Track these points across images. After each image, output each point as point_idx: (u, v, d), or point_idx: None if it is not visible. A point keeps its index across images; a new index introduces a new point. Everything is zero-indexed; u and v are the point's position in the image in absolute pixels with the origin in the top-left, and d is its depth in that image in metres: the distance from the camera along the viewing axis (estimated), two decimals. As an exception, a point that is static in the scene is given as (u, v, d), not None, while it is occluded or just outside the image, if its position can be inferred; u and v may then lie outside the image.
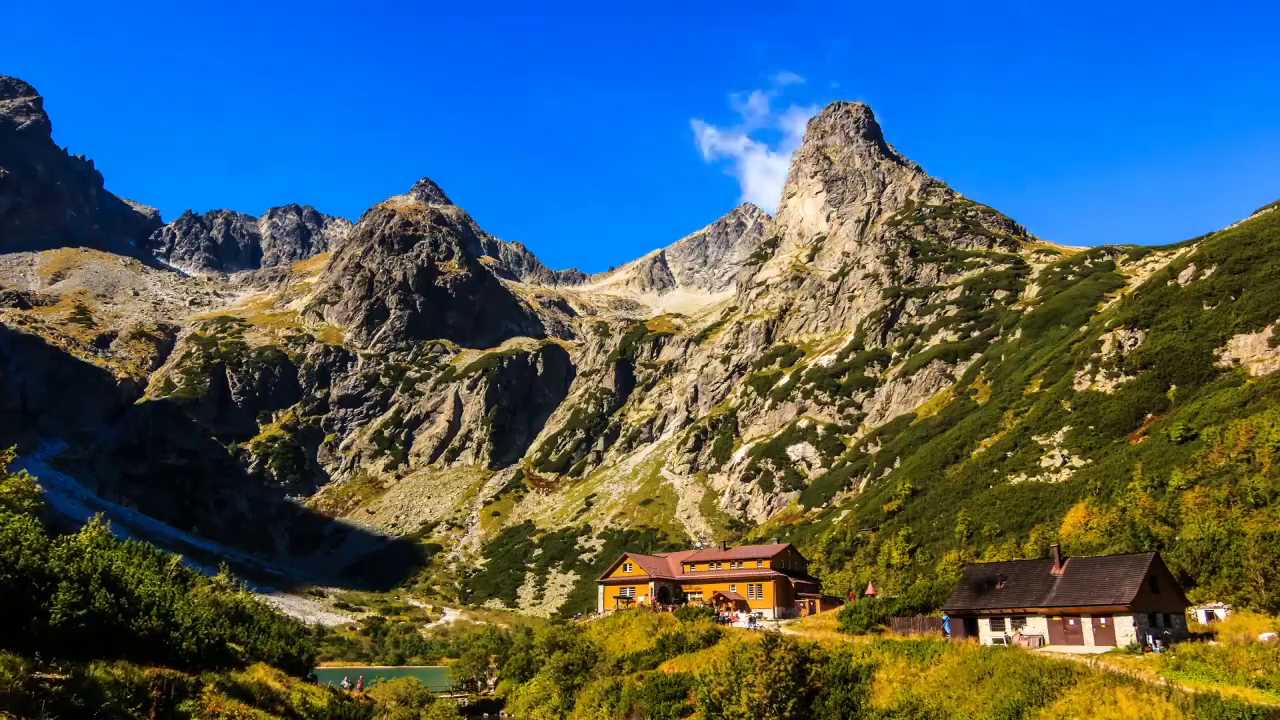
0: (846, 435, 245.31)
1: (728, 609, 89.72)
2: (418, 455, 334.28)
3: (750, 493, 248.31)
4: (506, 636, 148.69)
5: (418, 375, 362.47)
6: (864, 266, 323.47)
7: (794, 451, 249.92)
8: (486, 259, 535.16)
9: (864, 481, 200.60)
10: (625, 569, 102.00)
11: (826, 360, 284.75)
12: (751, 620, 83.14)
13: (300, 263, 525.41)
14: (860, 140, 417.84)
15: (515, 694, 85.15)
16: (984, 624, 58.31)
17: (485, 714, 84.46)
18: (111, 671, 27.15)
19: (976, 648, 51.74)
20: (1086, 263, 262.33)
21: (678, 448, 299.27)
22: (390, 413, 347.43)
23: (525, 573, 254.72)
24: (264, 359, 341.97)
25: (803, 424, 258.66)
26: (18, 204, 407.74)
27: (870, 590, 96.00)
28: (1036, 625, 55.48)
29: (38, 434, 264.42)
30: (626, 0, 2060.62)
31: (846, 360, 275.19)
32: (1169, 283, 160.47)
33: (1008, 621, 57.07)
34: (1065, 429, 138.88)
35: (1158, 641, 49.32)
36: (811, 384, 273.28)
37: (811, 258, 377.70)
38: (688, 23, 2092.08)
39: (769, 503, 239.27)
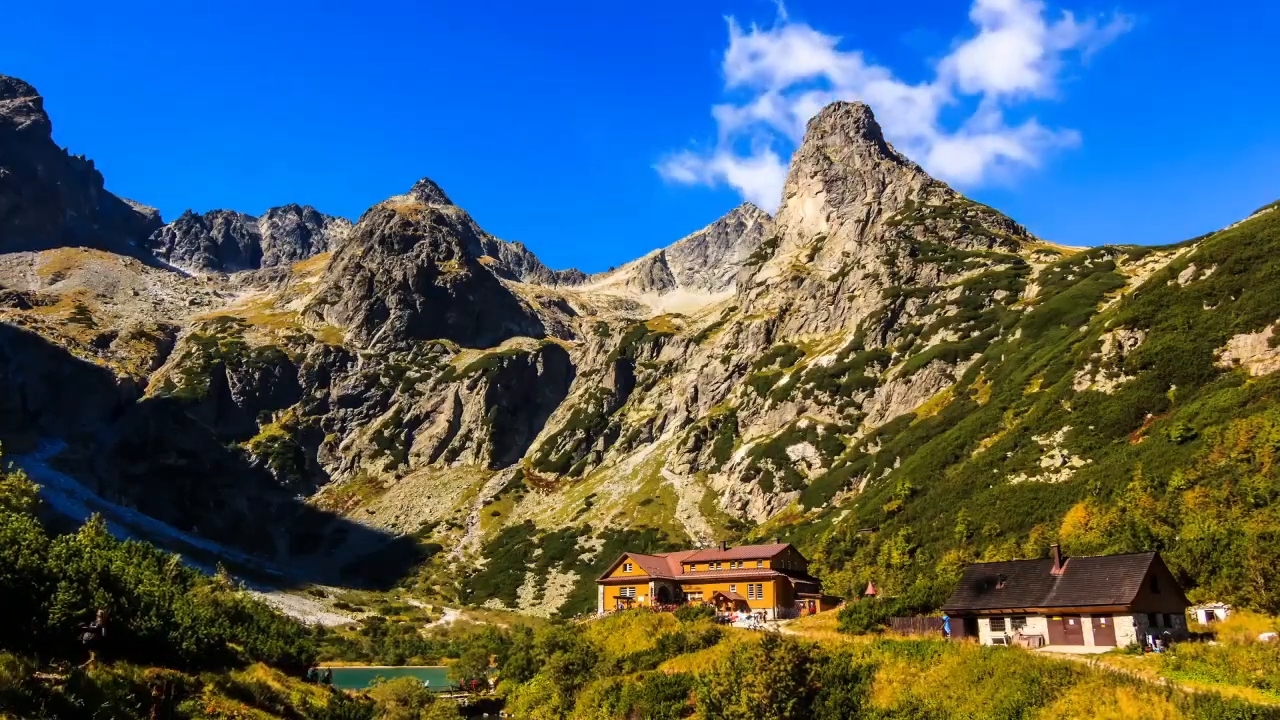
0: (846, 435, 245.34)
1: (728, 609, 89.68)
2: (418, 455, 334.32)
3: (750, 493, 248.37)
4: (506, 636, 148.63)
5: (418, 375, 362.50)
6: (864, 266, 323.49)
7: (794, 451, 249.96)
8: (486, 259, 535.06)
9: (864, 481, 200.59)
10: (625, 569, 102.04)
11: (826, 360, 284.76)
12: (751, 620, 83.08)
13: (300, 263, 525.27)
14: (860, 140, 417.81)
15: (515, 694, 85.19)
16: (984, 624, 58.28)
17: (485, 714, 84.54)
18: (111, 671, 27.13)
19: (976, 648, 51.72)
20: (1086, 263, 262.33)
21: (678, 448, 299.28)
22: (390, 413, 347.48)
23: (525, 573, 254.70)
24: (264, 359, 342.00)
25: (803, 424, 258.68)
26: (18, 204, 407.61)
27: (870, 590, 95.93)
28: (1036, 625, 55.44)
29: (38, 434, 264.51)
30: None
31: (846, 360, 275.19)
32: (1169, 283, 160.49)
33: (1008, 621, 57.04)
34: (1065, 429, 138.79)
35: (1158, 641, 49.28)
36: (811, 384, 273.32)
37: (811, 258, 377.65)
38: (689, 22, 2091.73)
39: (769, 503, 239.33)
